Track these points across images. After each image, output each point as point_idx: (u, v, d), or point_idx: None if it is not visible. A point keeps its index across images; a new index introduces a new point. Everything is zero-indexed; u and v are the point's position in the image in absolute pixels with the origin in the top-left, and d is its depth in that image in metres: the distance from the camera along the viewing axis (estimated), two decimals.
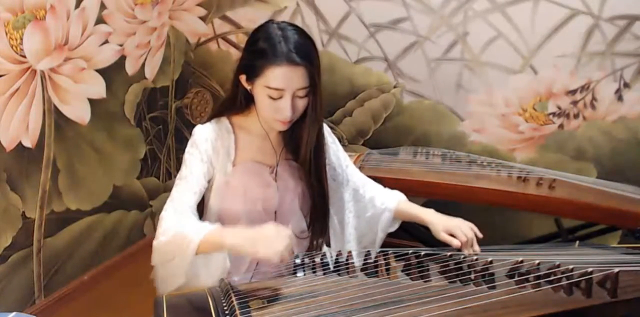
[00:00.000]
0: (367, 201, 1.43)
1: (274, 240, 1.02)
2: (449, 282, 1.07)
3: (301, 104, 1.19)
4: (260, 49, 1.16)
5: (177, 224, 1.14)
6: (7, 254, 1.90)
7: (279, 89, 1.14)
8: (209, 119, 1.31)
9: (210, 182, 1.28)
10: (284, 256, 1.01)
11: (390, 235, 1.53)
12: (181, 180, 1.23)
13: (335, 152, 1.42)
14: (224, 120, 1.29)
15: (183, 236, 1.09)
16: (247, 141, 1.29)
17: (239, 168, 1.27)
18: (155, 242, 1.16)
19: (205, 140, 1.25)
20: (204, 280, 1.19)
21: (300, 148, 1.27)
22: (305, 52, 1.14)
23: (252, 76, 1.18)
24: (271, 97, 1.16)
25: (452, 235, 1.24)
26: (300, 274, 1.12)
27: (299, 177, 1.31)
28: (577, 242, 1.47)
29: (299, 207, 1.32)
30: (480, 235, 1.26)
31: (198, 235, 1.08)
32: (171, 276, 1.17)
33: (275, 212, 1.30)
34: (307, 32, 1.19)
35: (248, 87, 1.22)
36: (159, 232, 1.15)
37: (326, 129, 1.38)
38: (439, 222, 1.29)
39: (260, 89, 1.17)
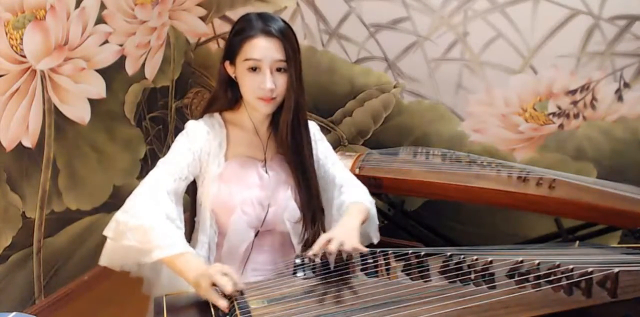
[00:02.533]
0: (341, 198, 1.36)
1: (208, 291, 1.00)
2: (449, 282, 1.07)
3: (281, 80, 1.21)
4: (237, 29, 1.23)
5: (150, 214, 1.12)
6: (7, 254, 1.90)
7: (256, 59, 1.19)
8: (200, 116, 1.33)
9: (197, 177, 1.29)
10: (206, 292, 0.99)
11: (390, 235, 1.53)
12: (164, 164, 1.23)
13: (323, 149, 1.42)
14: (216, 116, 1.33)
15: (148, 239, 1.09)
16: (238, 136, 1.32)
17: (231, 163, 1.29)
18: (121, 218, 1.14)
19: (198, 133, 1.27)
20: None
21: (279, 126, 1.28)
22: (280, 28, 1.21)
23: (233, 56, 1.23)
24: (251, 70, 1.20)
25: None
26: (300, 274, 1.12)
27: (290, 170, 1.33)
28: (577, 242, 1.47)
29: (292, 198, 1.33)
30: (348, 248, 1.07)
31: (163, 251, 1.07)
32: (123, 256, 1.16)
33: (269, 204, 1.30)
34: (286, 21, 1.25)
35: (233, 74, 1.26)
36: (129, 209, 1.14)
37: (314, 126, 1.41)
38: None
39: (241, 66, 1.21)
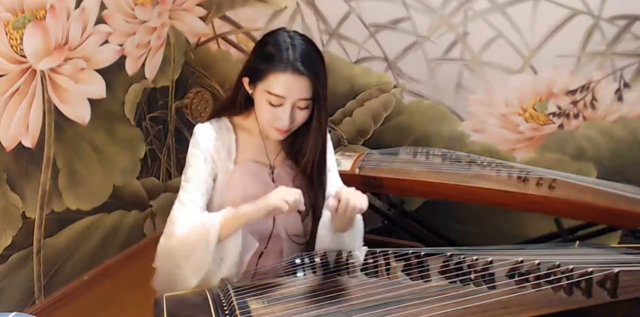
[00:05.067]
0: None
1: (283, 192, 1.09)
2: (449, 282, 1.07)
3: (300, 115, 1.19)
4: (266, 53, 1.17)
5: (191, 219, 1.18)
6: (7, 254, 1.90)
7: (279, 96, 1.15)
8: (208, 119, 1.31)
9: (214, 181, 1.29)
10: (294, 202, 1.07)
11: (390, 235, 1.53)
12: (188, 182, 1.24)
13: (330, 164, 1.40)
14: (224, 120, 1.30)
15: (202, 222, 1.14)
16: (247, 140, 1.30)
17: (239, 167, 1.28)
18: (169, 243, 1.18)
19: (207, 140, 1.26)
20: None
21: (301, 158, 1.28)
22: (311, 63, 1.15)
23: (255, 80, 1.19)
24: (271, 104, 1.16)
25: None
26: (300, 274, 1.12)
27: (296, 180, 1.31)
28: (577, 242, 1.47)
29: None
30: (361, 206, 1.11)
31: (217, 217, 1.13)
32: (182, 277, 1.16)
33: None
34: (316, 45, 1.20)
35: (250, 91, 1.23)
36: (175, 230, 1.17)
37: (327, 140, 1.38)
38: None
39: (261, 94, 1.18)
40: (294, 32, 1.21)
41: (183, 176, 1.27)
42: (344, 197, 1.11)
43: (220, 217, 1.13)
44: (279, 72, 1.13)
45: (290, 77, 1.13)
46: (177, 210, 1.22)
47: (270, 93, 1.15)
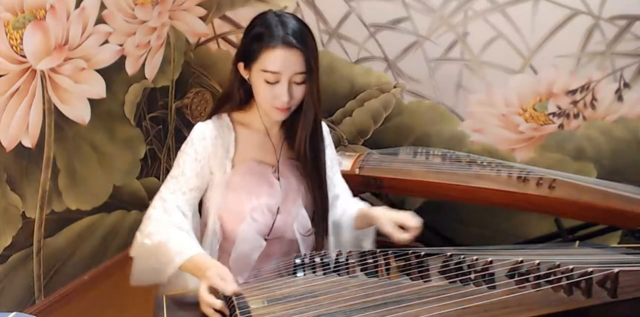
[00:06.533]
0: (339, 207, 1.42)
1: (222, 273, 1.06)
2: (449, 282, 1.07)
3: (298, 90, 1.18)
4: (256, 33, 1.17)
5: (163, 230, 1.18)
6: (7, 254, 1.90)
7: (275, 72, 1.15)
8: (209, 116, 1.30)
9: (207, 181, 1.28)
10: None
11: None
12: (172, 178, 1.25)
13: (331, 155, 1.42)
14: (225, 117, 1.29)
15: (166, 250, 1.14)
16: (247, 138, 1.29)
17: (240, 168, 1.27)
18: (141, 241, 1.20)
19: (203, 139, 1.24)
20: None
21: (296, 137, 1.27)
22: (301, 36, 1.15)
23: (249, 61, 1.19)
24: (268, 82, 1.16)
25: (402, 227, 1.23)
26: (300, 274, 1.12)
27: (301, 176, 1.31)
28: (577, 242, 1.46)
29: (302, 206, 1.32)
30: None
31: (181, 257, 1.12)
32: (148, 274, 1.20)
33: (278, 210, 1.29)
34: (305, 22, 1.20)
35: (246, 76, 1.22)
36: (145, 232, 1.20)
37: (325, 129, 1.38)
38: (384, 215, 1.25)
39: (257, 75, 1.18)
40: (281, 11, 1.22)
41: (170, 172, 1.26)
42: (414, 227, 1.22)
43: (186, 258, 1.11)
44: (271, 48, 1.14)
45: (283, 51, 1.13)
46: (154, 207, 1.24)
47: (265, 71, 1.15)
